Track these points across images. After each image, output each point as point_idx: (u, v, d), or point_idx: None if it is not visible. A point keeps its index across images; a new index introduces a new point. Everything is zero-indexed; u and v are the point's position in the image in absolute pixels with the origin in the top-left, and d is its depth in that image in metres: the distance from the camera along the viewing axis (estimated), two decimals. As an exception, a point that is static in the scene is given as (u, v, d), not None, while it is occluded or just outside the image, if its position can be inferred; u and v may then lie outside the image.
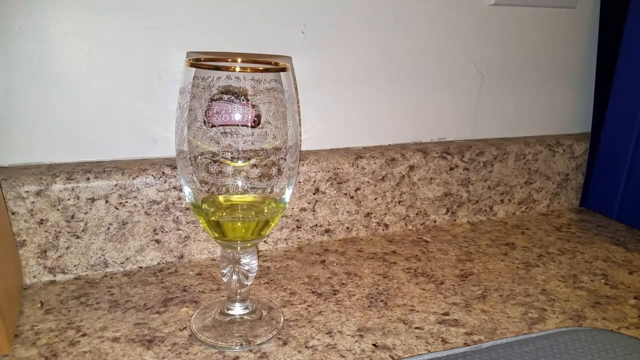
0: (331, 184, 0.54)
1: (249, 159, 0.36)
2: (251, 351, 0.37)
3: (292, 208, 0.53)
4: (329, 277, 0.48)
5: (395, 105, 0.58)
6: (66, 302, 0.42)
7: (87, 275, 0.46)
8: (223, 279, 0.39)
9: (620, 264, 0.54)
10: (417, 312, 0.43)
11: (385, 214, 0.58)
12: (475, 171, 0.61)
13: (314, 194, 0.54)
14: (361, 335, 0.39)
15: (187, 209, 0.48)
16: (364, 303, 0.44)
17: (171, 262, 0.50)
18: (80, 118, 0.46)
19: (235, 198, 0.38)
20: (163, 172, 0.47)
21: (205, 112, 0.34)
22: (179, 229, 0.49)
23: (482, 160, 0.61)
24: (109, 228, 0.46)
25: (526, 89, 0.65)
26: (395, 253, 0.54)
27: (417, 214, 0.60)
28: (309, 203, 0.54)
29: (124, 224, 0.46)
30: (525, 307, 0.44)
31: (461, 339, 0.39)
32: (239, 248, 0.38)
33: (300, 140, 0.54)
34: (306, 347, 0.38)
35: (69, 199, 0.44)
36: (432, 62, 0.58)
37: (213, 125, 0.35)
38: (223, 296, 0.44)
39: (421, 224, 0.61)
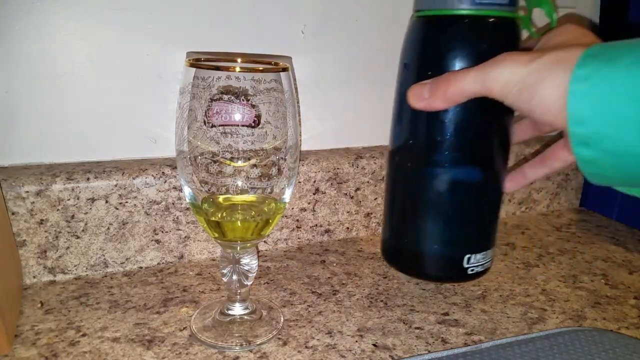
0: (331, 184, 0.54)
1: (249, 159, 0.36)
2: (251, 351, 0.37)
3: (292, 208, 0.53)
4: (329, 277, 0.48)
5: (395, 105, 0.58)
6: (66, 302, 0.42)
7: (87, 275, 0.46)
8: (223, 279, 0.39)
9: (620, 264, 0.54)
10: (417, 312, 0.43)
11: (385, 214, 0.58)
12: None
13: (314, 194, 0.54)
14: (361, 335, 0.39)
15: (187, 209, 0.48)
16: (364, 303, 0.44)
17: (171, 262, 0.50)
18: (80, 118, 0.46)
19: (235, 198, 0.38)
20: (163, 172, 0.47)
21: (205, 112, 0.34)
22: (179, 229, 0.49)
23: (482, 160, 0.61)
24: (109, 228, 0.46)
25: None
26: (395, 253, 0.54)
27: (417, 214, 0.60)
28: (309, 203, 0.54)
29: (124, 224, 0.46)
30: (525, 307, 0.44)
31: (461, 339, 0.39)
32: (239, 248, 0.38)
33: (300, 140, 0.54)
34: (306, 347, 0.38)
35: (69, 199, 0.44)
36: (432, 62, 0.58)
37: (213, 125, 0.35)
38: (223, 296, 0.44)
39: (421, 224, 0.61)
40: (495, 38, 0.36)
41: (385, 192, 0.44)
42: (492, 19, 0.36)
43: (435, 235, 0.40)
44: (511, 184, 0.42)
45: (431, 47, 0.37)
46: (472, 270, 0.41)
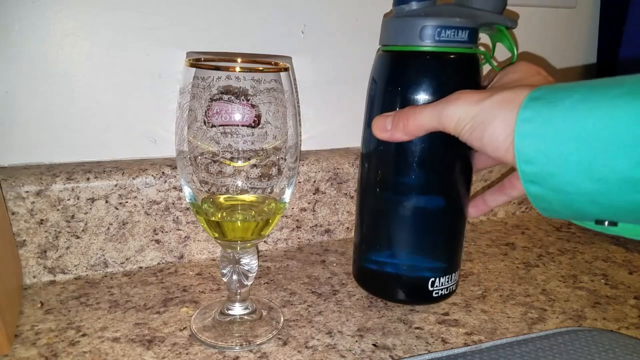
0: (331, 184, 0.54)
1: (249, 159, 0.36)
2: (251, 351, 0.37)
3: (292, 208, 0.53)
4: (329, 277, 0.48)
5: (395, 105, 0.58)
6: (66, 302, 0.42)
7: (87, 275, 0.46)
8: (223, 279, 0.39)
9: (620, 264, 0.54)
10: (417, 312, 0.43)
11: (385, 214, 0.58)
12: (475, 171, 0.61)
13: (314, 194, 0.54)
14: (361, 335, 0.39)
15: (187, 209, 0.48)
16: (364, 303, 0.44)
17: (171, 262, 0.50)
18: (80, 118, 0.46)
19: (235, 198, 0.38)
20: (163, 172, 0.47)
21: (205, 112, 0.34)
22: (179, 229, 0.49)
23: (482, 160, 0.61)
24: (109, 228, 0.46)
25: (526, 89, 0.65)
26: (395, 253, 0.54)
27: (417, 214, 0.60)
28: (309, 203, 0.54)
29: (124, 224, 0.46)
30: (525, 307, 0.44)
31: (461, 339, 0.39)
32: (239, 248, 0.38)
33: (300, 140, 0.54)
34: (306, 347, 0.38)
35: (69, 199, 0.44)
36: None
37: (213, 125, 0.35)
38: (223, 296, 0.44)
39: (421, 224, 0.61)
40: (455, 73, 0.38)
41: (356, 203, 0.45)
42: (453, 55, 0.38)
43: (399, 259, 0.42)
44: (474, 210, 0.44)
45: (395, 80, 0.39)
46: (437, 293, 0.42)
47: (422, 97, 0.37)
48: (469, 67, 0.39)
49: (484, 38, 0.42)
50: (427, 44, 0.37)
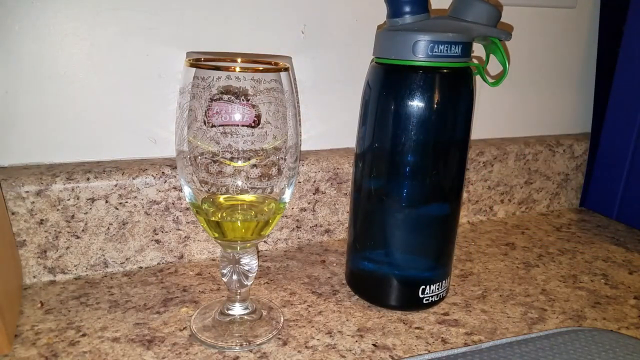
0: (331, 184, 0.54)
1: (249, 159, 0.36)
2: (251, 351, 0.37)
3: (292, 208, 0.53)
4: (329, 277, 0.48)
5: (395, 105, 0.58)
6: (66, 302, 0.42)
7: (87, 275, 0.46)
8: (223, 279, 0.39)
9: (620, 264, 0.54)
10: (418, 312, 0.43)
11: (385, 214, 0.58)
12: (475, 171, 0.61)
13: (314, 194, 0.54)
14: (361, 335, 0.39)
15: (187, 209, 0.48)
16: (364, 303, 0.44)
17: (171, 262, 0.50)
18: (80, 118, 0.46)
19: (235, 198, 0.38)
20: (163, 172, 0.47)
21: (205, 112, 0.34)
22: (179, 229, 0.49)
23: (482, 160, 0.61)
24: (109, 228, 0.46)
25: (526, 89, 0.66)
26: (395, 253, 0.54)
27: (417, 214, 0.60)
28: (309, 203, 0.54)
29: (124, 224, 0.46)
30: (525, 307, 0.44)
31: (461, 339, 0.39)
32: (239, 248, 0.38)
33: (300, 140, 0.54)
34: (306, 347, 0.38)
35: (69, 199, 0.44)
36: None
37: (213, 125, 0.35)
38: (223, 296, 0.44)
39: (421, 224, 0.61)
40: (448, 86, 0.39)
41: (350, 204, 0.45)
42: (446, 70, 0.38)
43: (390, 266, 0.42)
44: None
45: (388, 92, 0.39)
46: (428, 300, 0.42)
47: (414, 109, 0.38)
48: (462, 80, 0.39)
49: (478, 47, 0.42)
50: (420, 59, 0.37)
